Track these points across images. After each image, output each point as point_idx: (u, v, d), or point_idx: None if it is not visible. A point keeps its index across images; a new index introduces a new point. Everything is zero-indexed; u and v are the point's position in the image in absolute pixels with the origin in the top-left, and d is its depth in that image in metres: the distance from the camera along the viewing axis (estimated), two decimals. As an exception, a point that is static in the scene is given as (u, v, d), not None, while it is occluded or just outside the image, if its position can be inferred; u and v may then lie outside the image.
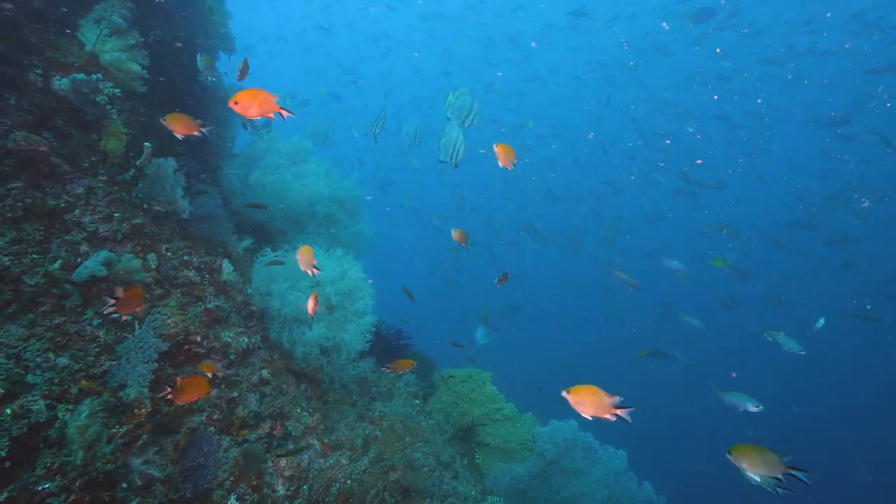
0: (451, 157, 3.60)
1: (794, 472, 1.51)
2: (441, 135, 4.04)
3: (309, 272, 2.49)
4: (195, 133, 2.49)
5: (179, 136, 2.42)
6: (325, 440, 3.05)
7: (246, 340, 2.98)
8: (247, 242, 3.53)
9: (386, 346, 4.16)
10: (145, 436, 2.21)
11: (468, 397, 4.15)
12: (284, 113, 2.08)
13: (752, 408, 4.60)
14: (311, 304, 2.50)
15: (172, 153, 2.97)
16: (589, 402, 1.72)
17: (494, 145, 2.71)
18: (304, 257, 2.44)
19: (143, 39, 2.78)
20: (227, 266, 3.09)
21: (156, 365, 2.13)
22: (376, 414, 3.47)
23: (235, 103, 2.00)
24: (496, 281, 3.94)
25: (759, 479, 1.55)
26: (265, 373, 3.00)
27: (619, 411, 1.70)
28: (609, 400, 1.71)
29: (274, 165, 3.85)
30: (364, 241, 4.54)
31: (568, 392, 1.77)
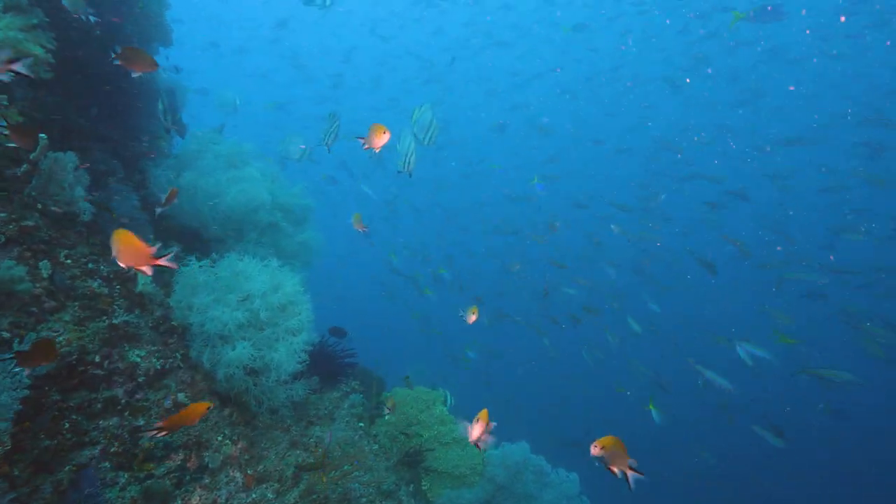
0: (405, 167, 3.45)
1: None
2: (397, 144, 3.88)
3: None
4: (151, 70, 2.45)
5: (135, 75, 2.37)
6: (250, 471, 2.74)
7: (161, 360, 2.65)
8: (173, 250, 3.20)
9: (329, 365, 3.89)
10: (17, 473, 1.86)
11: (416, 419, 3.92)
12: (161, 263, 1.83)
13: (727, 386, 4.68)
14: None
15: (82, 148, 2.65)
16: (615, 455, 1.69)
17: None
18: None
19: (48, 20, 2.47)
20: (143, 276, 2.77)
21: (26, 392, 1.80)
22: (312, 440, 3.19)
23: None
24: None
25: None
26: (182, 396, 2.68)
27: (629, 472, 1.67)
28: (627, 459, 1.69)
29: (209, 168, 3.56)
30: (310, 252, 4.28)
31: (596, 445, 1.71)
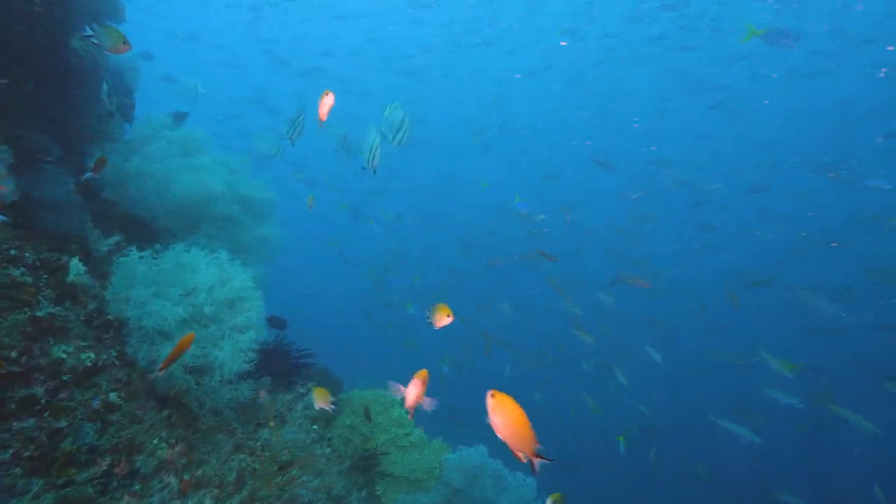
0: (369, 163, 3.35)
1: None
2: (343, 137, 3.77)
3: None
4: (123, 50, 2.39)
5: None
6: (187, 476, 2.58)
7: (92, 356, 2.47)
8: (113, 239, 3.01)
9: (283, 364, 3.74)
10: None
11: (373, 421, 3.81)
12: None
13: (752, 437, 4.77)
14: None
15: (13, 125, 2.45)
16: (507, 421, 1.42)
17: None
18: None
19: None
20: (76, 265, 2.57)
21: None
22: (259, 444, 3.04)
23: None
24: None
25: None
26: (114, 397, 2.50)
27: (535, 459, 1.42)
28: (533, 440, 1.42)
29: (160, 154, 3.36)
30: (268, 247, 4.11)
31: (493, 395, 1.46)
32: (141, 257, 2.69)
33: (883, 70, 10.73)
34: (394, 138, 3.50)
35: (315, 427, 3.67)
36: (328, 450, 3.57)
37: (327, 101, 2.37)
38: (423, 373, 1.68)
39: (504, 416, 1.41)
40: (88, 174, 2.48)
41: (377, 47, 16.33)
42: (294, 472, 3.03)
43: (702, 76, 13.61)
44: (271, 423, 2.81)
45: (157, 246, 2.86)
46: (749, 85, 13.82)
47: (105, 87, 2.97)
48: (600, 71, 15.06)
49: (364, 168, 3.34)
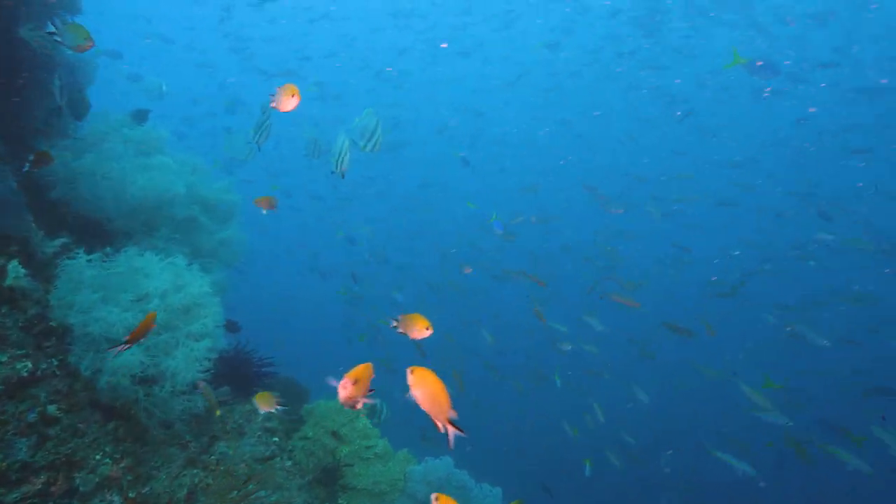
0: (338, 167, 3.29)
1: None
2: (315, 140, 3.70)
3: None
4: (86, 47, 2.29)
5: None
6: (132, 494, 2.44)
7: (29, 366, 2.31)
8: (60, 241, 2.84)
9: (243, 373, 3.60)
10: None
11: (337, 433, 3.70)
12: None
13: (748, 470, 4.65)
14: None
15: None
16: (427, 392, 1.48)
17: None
18: None
19: None
20: (14, 268, 2.42)
21: None
22: (214, 458, 2.90)
23: None
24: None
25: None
26: (53, 409, 2.34)
27: (451, 427, 1.47)
28: (449, 409, 1.48)
29: (115, 153, 3.21)
30: (231, 251, 3.98)
31: (413, 371, 1.52)
32: (89, 260, 2.55)
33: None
34: (366, 145, 3.45)
35: (276, 439, 3.54)
36: (289, 463, 3.44)
37: (291, 100, 2.30)
38: (360, 370, 1.56)
39: (424, 388, 1.49)
40: (26, 167, 2.33)
41: (354, 51, 16.26)
42: (251, 486, 2.91)
43: (675, 92, 14.09)
44: (217, 412, 2.67)
45: (108, 249, 2.72)
46: (717, 105, 14.42)
47: (57, 81, 2.82)
48: (577, 83, 15.40)
49: (332, 173, 3.28)
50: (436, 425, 1.48)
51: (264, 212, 3.30)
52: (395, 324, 2.12)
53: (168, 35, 14.69)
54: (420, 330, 2.08)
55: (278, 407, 2.58)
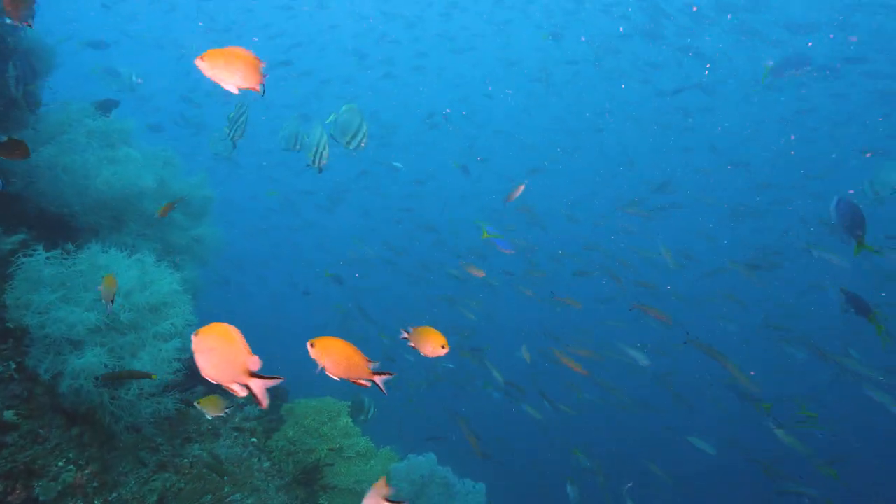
0: (315, 161, 3.17)
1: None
2: (293, 132, 3.55)
3: None
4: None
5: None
6: (98, 502, 2.33)
7: (-16, 370, 2.18)
8: (18, 237, 2.69)
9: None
10: None
11: (318, 432, 3.63)
12: None
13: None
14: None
15: None
16: (335, 358, 1.41)
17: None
18: None
19: None
20: (-34, 267, 2.28)
21: None
22: (187, 461, 2.81)
23: None
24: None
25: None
26: (10, 415, 2.22)
27: (377, 378, 1.44)
28: (366, 363, 1.43)
29: (78, 144, 3.06)
30: (204, 248, 3.86)
31: (313, 344, 1.44)
32: (48, 258, 2.42)
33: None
34: (349, 143, 3.21)
35: (254, 440, 3.46)
36: (267, 464, 3.36)
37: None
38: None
39: (332, 355, 1.42)
40: None
41: (341, 37, 15.86)
42: (226, 489, 2.82)
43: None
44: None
45: (69, 246, 2.58)
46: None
47: (12, 69, 2.66)
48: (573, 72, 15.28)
49: (307, 166, 3.15)
50: (361, 385, 1.43)
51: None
52: (405, 335, 1.99)
53: (150, 31, 14.25)
54: (434, 347, 1.91)
55: (227, 411, 2.40)
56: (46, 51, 3.21)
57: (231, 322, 1.38)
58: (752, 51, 12.05)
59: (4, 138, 3.01)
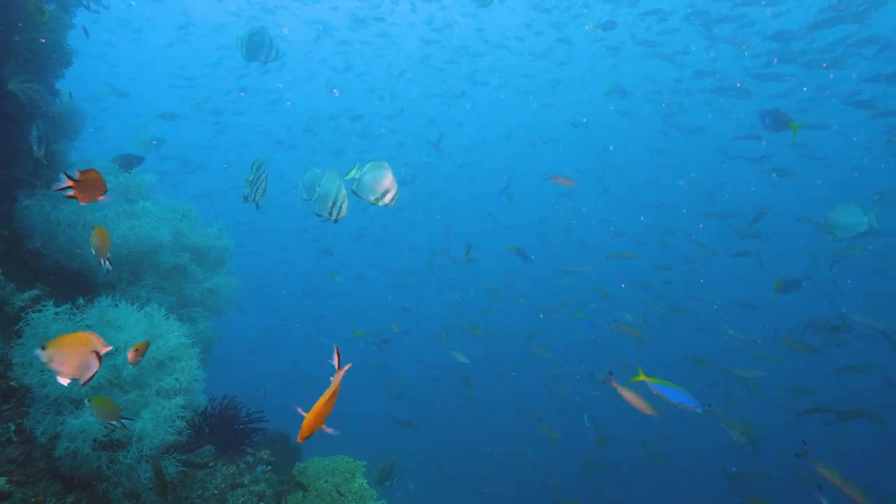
0: (331, 213, 3.03)
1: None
2: (314, 182, 3.42)
3: None
4: None
5: None
6: (88, 581, 2.14)
7: (-19, 433, 2.09)
8: (31, 293, 2.69)
9: (229, 431, 3.33)
10: None
11: (330, 495, 3.36)
12: None
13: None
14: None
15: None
16: (316, 421, 1.43)
17: None
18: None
19: None
20: (-26, 325, 2.25)
21: None
22: (188, 530, 2.60)
23: None
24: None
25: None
26: (3, 482, 2.10)
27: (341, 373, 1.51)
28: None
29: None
30: (219, 299, 3.81)
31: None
32: (56, 313, 2.38)
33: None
34: (378, 200, 2.87)
35: (262, 505, 3.22)
36: (276, 532, 3.10)
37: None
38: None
39: (317, 421, 1.44)
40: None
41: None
42: (229, 564, 2.58)
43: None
44: (167, 494, 2.32)
45: (80, 300, 2.55)
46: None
47: (35, 131, 2.77)
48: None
49: (318, 215, 3.01)
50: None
51: None
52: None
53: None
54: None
55: (123, 420, 1.99)
56: (77, 115, 3.37)
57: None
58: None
59: (27, 198, 3.10)
